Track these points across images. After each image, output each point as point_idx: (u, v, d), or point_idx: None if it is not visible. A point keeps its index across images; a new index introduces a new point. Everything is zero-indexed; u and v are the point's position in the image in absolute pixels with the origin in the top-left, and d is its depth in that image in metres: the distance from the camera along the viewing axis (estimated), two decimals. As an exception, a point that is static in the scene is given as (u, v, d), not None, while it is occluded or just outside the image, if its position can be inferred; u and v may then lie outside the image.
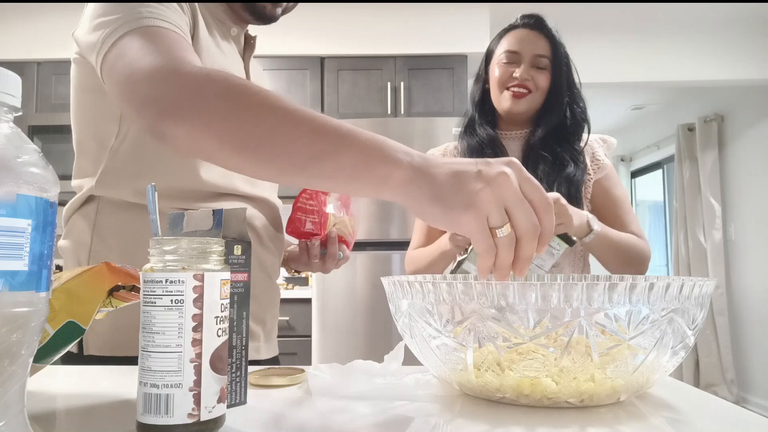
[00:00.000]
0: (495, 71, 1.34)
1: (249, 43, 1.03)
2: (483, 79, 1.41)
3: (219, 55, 0.91)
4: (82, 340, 0.84)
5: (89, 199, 0.91)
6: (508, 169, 0.54)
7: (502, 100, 1.33)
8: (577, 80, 1.35)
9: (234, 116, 0.61)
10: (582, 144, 1.35)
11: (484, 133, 1.35)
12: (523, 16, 1.35)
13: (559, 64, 1.30)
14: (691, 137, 4.77)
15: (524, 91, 1.31)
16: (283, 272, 3.48)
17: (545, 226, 0.54)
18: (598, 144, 1.40)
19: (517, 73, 1.29)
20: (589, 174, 1.35)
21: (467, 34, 3.35)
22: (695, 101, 4.69)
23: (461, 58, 3.33)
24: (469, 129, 1.40)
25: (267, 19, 0.97)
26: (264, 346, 0.99)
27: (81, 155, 0.92)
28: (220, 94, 0.62)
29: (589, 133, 1.37)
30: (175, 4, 0.79)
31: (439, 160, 0.57)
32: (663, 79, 3.76)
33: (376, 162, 0.56)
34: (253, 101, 0.61)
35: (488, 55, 1.41)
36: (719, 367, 4.38)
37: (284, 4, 0.97)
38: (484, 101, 1.40)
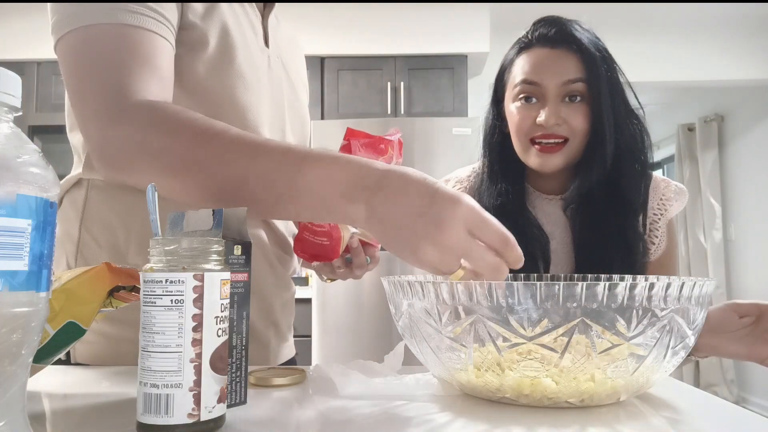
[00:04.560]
0: (513, 113, 0.98)
1: (269, 2, 0.92)
2: (495, 116, 1.04)
3: (226, 10, 0.82)
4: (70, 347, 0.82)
5: (78, 183, 0.83)
6: (458, 213, 0.52)
7: (528, 156, 0.97)
8: (632, 98, 0.98)
9: (181, 174, 0.62)
10: (646, 210, 0.99)
11: (508, 198, 0.98)
12: (538, 24, 0.99)
13: (597, 88, 0.92)
14: (691, 137, 4.77)
15: (556, 142, 0.94)
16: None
17: (510, 260, 0.54)
18: (675, 196, 1.01)
19: (542, 116, 0.93)
20: (649, 249, 0.99)
21: (467, 34, 3.34)
22: (695, 101, 4.69)
23: (461, 58, 3.32)
24: (489, 184, 1.02)
25: None
26: (277, 351, 0.91)
27: (71, 132, 0.85)
28: (161, 148, 0.62)
29: (650, 184, 0.99)
30: None
31: (389, 197, 0.54)
32: (663, 79, 3.76)
33: (333, 206, 0.56)
34: (197, 149, 0.61)
35: (498, 84, 1.04)
36: (719, 367, 4.38)
37: None
38: (503, 147, 1.02)
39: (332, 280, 0.97)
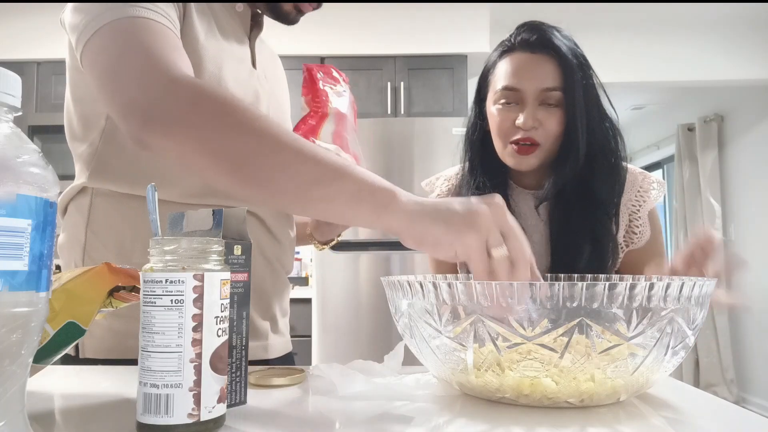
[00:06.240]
0: (494, 114, 1.03)
1: (256, 21, 0.94)
2: (478, 114, 1.10)
3: (220, 37, 0.85)
4: (78, 343, 0.83)
5: (83, 191, 0.85)
6: (501, 201, 0.59)
7: (505, 155, 1.04)
8: (606, 103, 1.04)
9: (231, 136, 0.61)
10: (620, 199, 1.05)
11: (486, 192, 0.98)
12: (521, 29, 1.04)
13: (572, 96, 0.98)
14: (691, 137, 4.77)
15: (531, 144, 1.00)
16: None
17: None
18: (652, 187, 1.06)
19: (520, 119, 0.98)
20: (632, 239, 1.05)
21: (467, 34, 3.34)
22: (695, 101, 4.69)
23: (461, 58, 3.32)
24: (468, 181, 1.08)
25: (288, 22, 0.92)
26: (274, 344, 0.94)
27: (73, 141, 0.87)
28: (217, 112, 0.62)
29: (624, 184, 1.05)
30: None
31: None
32: (663, 79, 3.76)
33: (377, 187, 0.60)
34: (251, 122, 0.62)
35: (482, 85, 1.09)
36: (719, 367, 4.38)
37: (309, 7, 0.91)
38: (484, 144, 1.09)
39: (326, 244, 1.03)
